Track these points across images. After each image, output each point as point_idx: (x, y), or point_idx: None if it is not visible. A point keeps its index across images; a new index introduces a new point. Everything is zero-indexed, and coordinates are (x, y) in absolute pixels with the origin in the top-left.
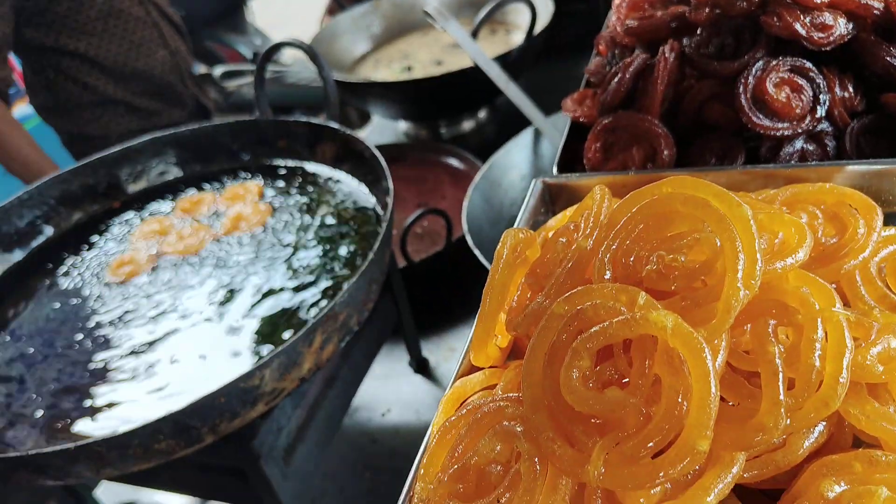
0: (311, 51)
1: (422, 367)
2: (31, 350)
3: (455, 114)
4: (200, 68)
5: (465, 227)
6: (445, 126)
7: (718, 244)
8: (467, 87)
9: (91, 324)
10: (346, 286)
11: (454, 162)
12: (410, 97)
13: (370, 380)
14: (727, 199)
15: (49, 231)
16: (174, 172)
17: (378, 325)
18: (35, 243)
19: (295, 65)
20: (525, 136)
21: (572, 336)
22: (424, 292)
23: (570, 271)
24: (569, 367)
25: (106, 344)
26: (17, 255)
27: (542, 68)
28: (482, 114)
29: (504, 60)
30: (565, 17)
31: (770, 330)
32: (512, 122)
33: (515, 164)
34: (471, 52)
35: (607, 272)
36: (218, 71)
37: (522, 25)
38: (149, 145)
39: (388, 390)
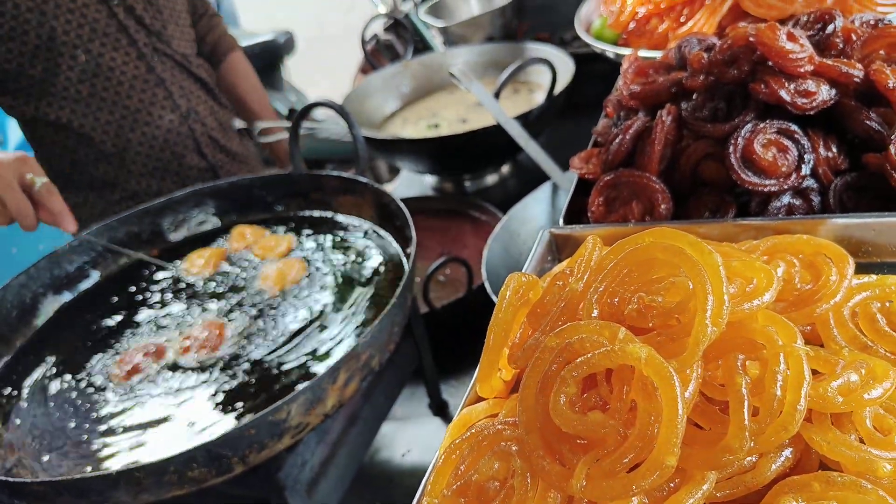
0: (342, 110)
1: (441, 409)
2: (74, 382)
3: (479, 168)
4: (238, 123)
5: (484, 275)
6: (470, 180)
7: (691, 287)
8: (490, 143)
9: (132, 361)
10: (368, 328)
11: (476, 213)
12: (436, 153)
13: (391, 421)
14: (700, 247)
15: (96, 275)
16: (213, 222)
17: (399, 368)
18: (83, 286)
19: (327, 121)
20: (543, 190)
21: (561, 366)
22: (446, 337)
23: (563, 310)
24: (557, 393)
25: (145, 381)
26: (66, 297)
27: (564, 124)
28: (505, 168)
29: (525, 119)
30: (585, 76)
31: (739, 364)
32: (534, 176)
33: (533, 216)
34: (493, 111)
35: (594, 311)
36: (257, 127)
37: (544, 85)
38: (190, 196)
39: (408, 431)
